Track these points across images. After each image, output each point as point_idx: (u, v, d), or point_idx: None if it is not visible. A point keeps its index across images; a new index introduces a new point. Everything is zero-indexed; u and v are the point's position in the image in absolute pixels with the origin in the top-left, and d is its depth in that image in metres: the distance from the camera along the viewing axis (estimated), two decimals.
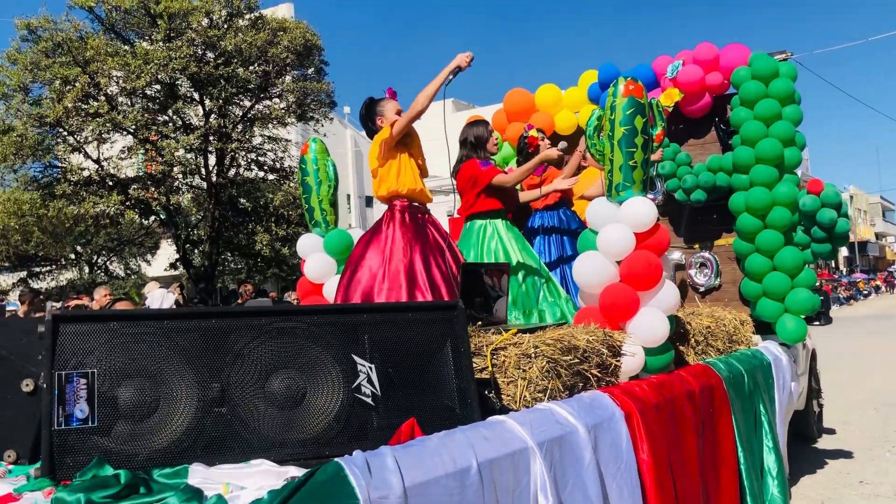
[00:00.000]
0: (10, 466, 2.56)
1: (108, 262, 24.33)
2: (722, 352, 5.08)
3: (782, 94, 5.89)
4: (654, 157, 5.99)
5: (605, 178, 4.11)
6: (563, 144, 5.02)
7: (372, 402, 2.56)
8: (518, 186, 5.52)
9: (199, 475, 2.23)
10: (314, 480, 1.88)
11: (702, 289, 6.60)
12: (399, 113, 4.37)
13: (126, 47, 14.02)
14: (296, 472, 2.25)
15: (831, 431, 8.33)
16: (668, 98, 6.44)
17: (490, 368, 3.02)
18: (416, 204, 4.26)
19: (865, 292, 46.85)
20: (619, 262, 4.05)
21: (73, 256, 23.74)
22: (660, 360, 4.06)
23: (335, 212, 5.37)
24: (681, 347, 4.59)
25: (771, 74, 5.97)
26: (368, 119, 4.39)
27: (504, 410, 2.81)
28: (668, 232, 4.45)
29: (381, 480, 1.95)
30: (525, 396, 2.96)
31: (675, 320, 4.33)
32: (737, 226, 5.90)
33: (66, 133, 14.20)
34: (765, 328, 5.93)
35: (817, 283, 6.09)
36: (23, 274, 24.09)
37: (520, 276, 4.75)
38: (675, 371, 4.13)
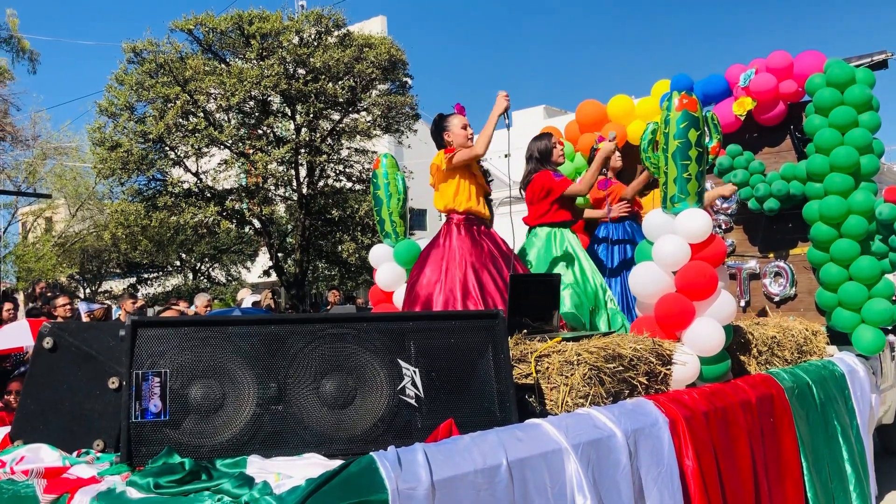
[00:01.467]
0: (98, 454, 2.88)
1: (210, 269, 25.50)
2: (790, 362, 5.04)
3: (859, 101, 5.78)
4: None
5: (660, 189, 4.19)
6: (612, 134, 5.13)
7: (415, 404, 2.76)
8: (584, 199, 5.65)
9: (255, 465, 2.48)
10: (348, 471, 2.09)
11: (776, 298, 6.52)
12: (465, 127, 4.59)
13: (222, 66, 14.80)
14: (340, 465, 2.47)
15: None
16: (740, 107, 6.42)
17: (534, 374, 3.17)
18: (473, 217, 4.45)
19: None
20: (674, 273, 4.12)
21: (178, 263, 25.01)
22: (716, 369, 4.10)
23: (405, 223, 5.61)
24: (742, 357, 4.60)
25: (847, 81, 5.87)
26: (437, 134, 4.63)
27: (545, 415, 2.95)
28: (724, 243, 4.48)
29: (410, 474, 2.14)
30: (567, 402, 3.09)
31: (733, 330, 4.35)
32: (811, 235, 5.82)
33: (167, 148, 15.10)
34: (842, 339, 5.81)
35: None
36: (132, 280, 25.55)
37: (593, 277, 4.88)
38: (732, 380, 4.16)
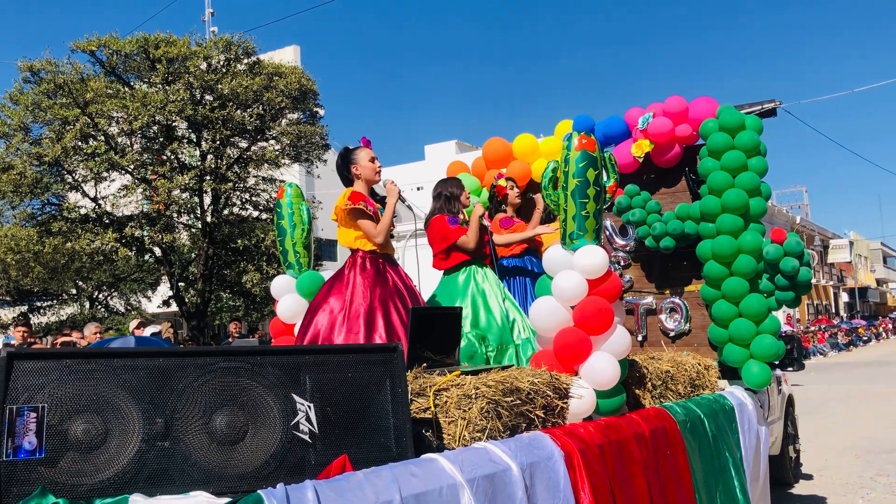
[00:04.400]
0: None
1: (108, 298, 24.50)
2: (683, 396, 5.20)
3: (748, 146, 6.08)
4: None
5: (560, 227, 4.29)
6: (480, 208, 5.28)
7: (309, 440, 2.70)
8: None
9: None
10: None
11: (672, 333, 6.73)
12: (373, 160, 4.61)
13: (125, 89, 14.38)
14: None
15: (808, 477, 8.39)
16: (638, 149, 6.65)
17: (433, 408, 3.16)
18: (378, 253, 4.46)
19: (865, 338, 46.73)
20: (572, 307, 4.21)
21: (73, 291, 23.93)
22: (611, 402, 4.19)
23: (309, 254, 5.55)
24: (637, 391, 4.72)
25: (737, 127, 6.18)
26: (344, 168, 4.61)
27: (442, 449, 2.94)
28: (620, 279, 4.61)
29: None
30: (464, 436, 3.09)
31: (628, 364, 4.47)
32: (704, 272, 6.06)
33: (64, 172, 14.51)
34: (732, 373, 6.04)
35: (791, 331, 6.23)
36: (23, 308, 24.27)
37: (499, 314, 4.93)
38: (627, 414, 4.26)
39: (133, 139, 14.70)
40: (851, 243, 61.73)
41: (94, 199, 15.19)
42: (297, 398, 2.72)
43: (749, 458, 5.46)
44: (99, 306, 24.48)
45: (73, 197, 15.39)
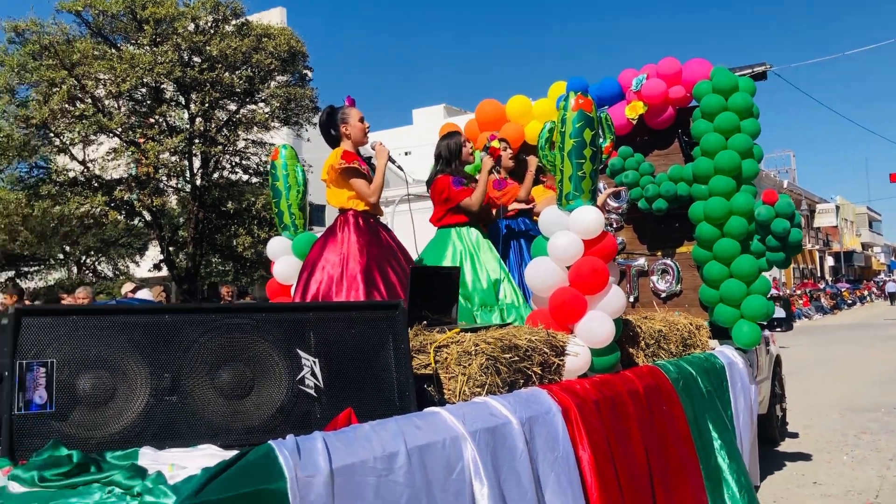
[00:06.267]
0: None
1: (96, 263, 24.42)
2: (675, 355, 5.29)
3: (741, 108, 6.11)
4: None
5: (556, 187, 4.32)
6: (489, 143, 5.33)
7: (315, 394, 2.75)
8: None
9: (148, 457, 2.41)
10: (246, 460, 2.07)
11: (663, 294, 6.81)
12: (362, 120, 4.60)
13: (112, 51, 14.19)
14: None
15: (794, 435, 8.55)
16: (632, 110, 6.66)
17: (433, 365, 3.21)
18: (369, 213, 4.47)
19: (850, 301, 47.29)
20: (568, 268, 4.25)
21: (61, 256, 23.83)
22: (606, 360, 4.26)
23: (304, 215, 5.56)
24: (630, 350, 4.79)
25: (730, 88, 6.19)
26: (330, 126, 4.59)
27: (443, 403, 3.00)
28: (615, 239, 4.66)
29: (309, 461, 2.14)
30: (464, 391, 3.15)
31: (622, 323, 4.53)
32: (696, 234, 6.11)
33: (52, 134, 14.36)
34: (723, 333, 6.13)
35: (780, 292, 6.31)
36: (11, 273, 24.16)
37: (484, 275, 4.97)
38: (621, 371, 4.33)
39: (120, 102, 14.55)
40: (838, 208, 62.12)
41: (83, 163, 15.07)
42: (302, 354, 2.76)
43: (739, 416, 5.57)
44: (87, 271, 24.39)
45: (62, 160, 15.26)
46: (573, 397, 3.49)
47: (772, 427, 7.95)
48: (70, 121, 13.91)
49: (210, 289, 15.27)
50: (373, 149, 4.53)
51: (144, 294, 9.51)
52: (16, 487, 2.19)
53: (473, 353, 3.20)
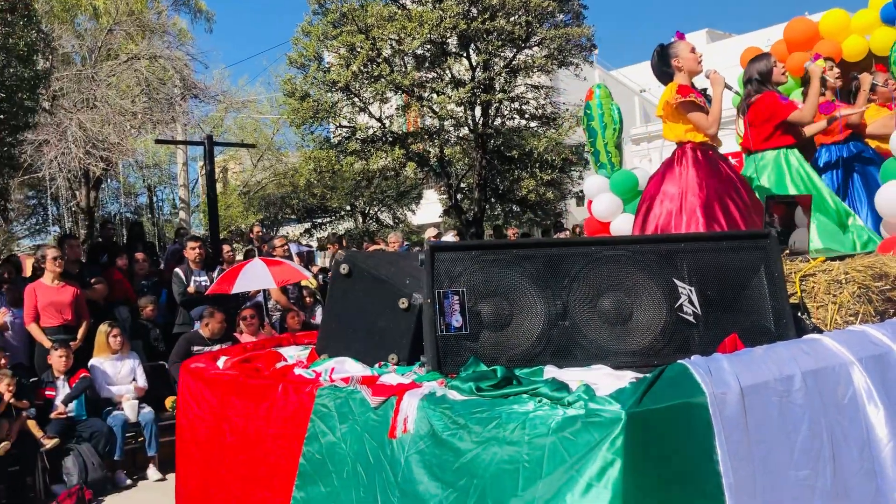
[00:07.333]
0: (395, 366, 3.22)
1: (377, 213, 26.49)
2: None
3: None
4: None
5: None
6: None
7: (693, 321, 2.88)
8: None
9: (552, 374, 2.70)
10: (665, 376, 2.25)
11: None
12: (693, 51, 4.57)
13: (400, 11, 15.15)
14: (632, 376, 2.64)
15: None
16: None
17: (799, 294, 3.19)
18: (707, 144, 4.44)
19: None
20: None
21: (348, 207, 26.15)
22: None
23: (619, 153, 5.66)
24: None
25: None
26: (663, 63, 4.60)
27: (817, 331, 2.99)
28: None
29: (720, 380, 2.28)
30: (836, 320, 3.11)
31: None
32: None
33: (353, 95, 15.74)
34: None
35: None
36: (307, 225, 27.03)
37: (829, 198, 4.77)
38: None
39: (406, 59, 15.55)
40: None
41: (380, 119, 16.38)
42: (678, 282, 2.90)
43: None
44: (371, 221, 26.49)
45: (361, 119, 16.71)
46: None
47: None
48: (368, 81, 15.14)
49: (495, 231, 15.98)
50: (707, 77, 4.48)
51: (449, 237, 10.23)
52: (455, 396, 2.58)
53: (844, 281, 3.14)
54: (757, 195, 4.75)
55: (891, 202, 4.05)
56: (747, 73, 5.21)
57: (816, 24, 7.20)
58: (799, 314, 3.06)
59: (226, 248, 11.14)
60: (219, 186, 25.89)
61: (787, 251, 3.94)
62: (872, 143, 5.66)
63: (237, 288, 7.53)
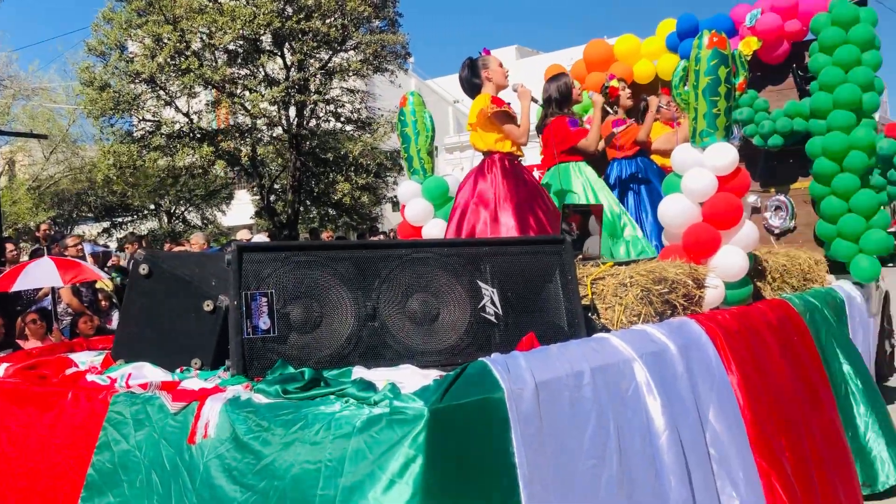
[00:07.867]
0: (198, 371, 3.12)
1: (185, 213, 25.40)
2: (796, 289, 5.38)
3: (862, 40, 6.02)
4: None
5: (689, 125, 4.43)
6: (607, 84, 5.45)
7: (495, 320, 3.03)
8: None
9: (360, 375, 2.73)
10: (466, 373, 2.35)
11: (777, 231, 6.85)
12: (501, 65, 4.79)
13: (212, 4, 14.65)
14: (437, 374, 2.73)
15: None
16: (746, 46, 6.62)
17: (590, 296, 3.45)
18: (514, 155, 4.68)
19: None
20: (701, 204, 4.40)
21: (152, 207, 24.87)
22: (739, 293, 4.42)
23: (432, 160, 5.80)
24: (758, 283, 4.92)
25: (851, 20, 6.10)
26: (472, 75, 4.77)
27: (605, 331, 3.24)
28: (748, 175, 4.75)
29: (517, 376, 2.42)
30: (622, 320, 3.38)
31: (753, 257, 4.66)
32: (813, 169, 6.11)
33: (158, 88, 15.01)
34: (838, 268, 6.17)
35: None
36: (106, 224, 25.37)
37: (608, 208, 5.16)
38: (753, 304, 4.49)
39: (216, 54, 15.05)
40: None
41: (187, 115, 15.72)
42: (481, 284, 3.03)
43: (863, 349, 5.65)
44: (177, 221, 25.37)
45: (168, 113, 15.96)
46: (719, 327, 3.68)
47: (881, 362, 7.95)
48: (176, 74, 14.49)
49: (311, 234, 15.85)
50: (515, 91, 4.70)
51: (260, 238, 10.01)
52: (261, 399, 2.54)
53: (629, 284, 3.42)
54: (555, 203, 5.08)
55: (670, 213, 4.45)
56: (546, 92, 5.52)
57: (612, 46, 7.77)
58: (590, 314, 3.30)
59: (9, 246, 10.19)
60: (3, 180, 23.71)
61: (581, 256, 4.25)
62: (658, 160, 6.22)
63: (18, 285, 6.91)
